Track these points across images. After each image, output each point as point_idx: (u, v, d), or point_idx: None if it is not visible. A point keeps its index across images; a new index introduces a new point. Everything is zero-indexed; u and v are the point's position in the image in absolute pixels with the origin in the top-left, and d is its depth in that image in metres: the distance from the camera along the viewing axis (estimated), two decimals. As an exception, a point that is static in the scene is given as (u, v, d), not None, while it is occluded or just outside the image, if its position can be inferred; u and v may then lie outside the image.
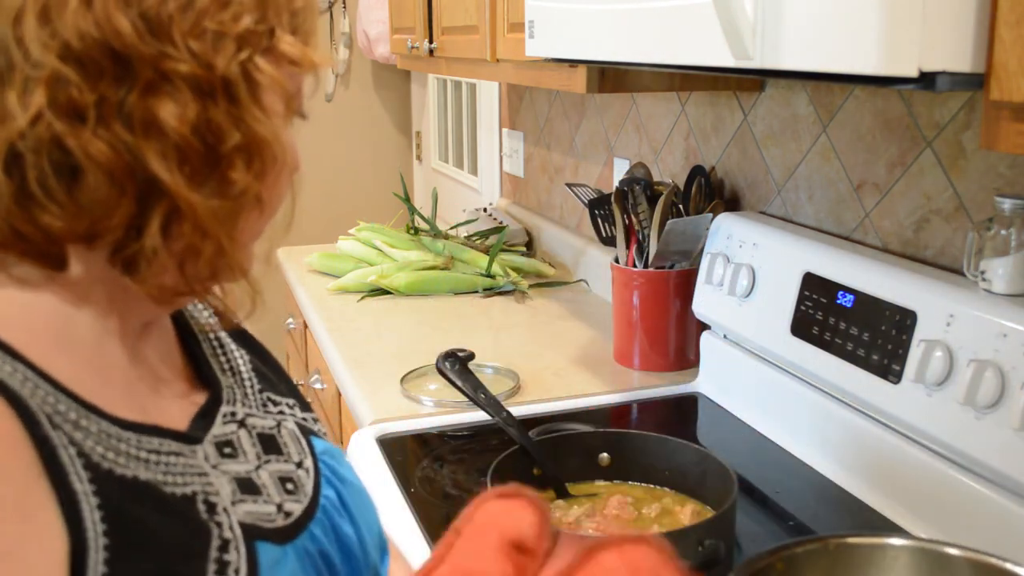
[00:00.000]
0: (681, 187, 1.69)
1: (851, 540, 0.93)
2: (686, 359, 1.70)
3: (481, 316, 2.08)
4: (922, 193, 1.27)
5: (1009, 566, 0.85)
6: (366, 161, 3.96)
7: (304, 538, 0.67)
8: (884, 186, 1.34)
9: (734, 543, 1.05)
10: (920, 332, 1.13)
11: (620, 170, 2.10)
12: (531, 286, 2.25)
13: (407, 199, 2.55)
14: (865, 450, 1.25)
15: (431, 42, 2.25)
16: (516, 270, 2.32)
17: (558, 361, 1.77)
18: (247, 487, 0.64)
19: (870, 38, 0.75)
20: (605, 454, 1.14)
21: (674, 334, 1.68)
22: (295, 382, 0.81)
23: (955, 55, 0.74)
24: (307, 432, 0.75)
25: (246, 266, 0.62)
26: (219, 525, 0.60)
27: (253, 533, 0.62)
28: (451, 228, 2.55)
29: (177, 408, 0.66)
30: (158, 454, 0.59)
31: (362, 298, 2.20)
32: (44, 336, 0.56)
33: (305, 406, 0.78)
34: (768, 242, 1.44)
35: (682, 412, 1.58)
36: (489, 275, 2.25)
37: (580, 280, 2.30)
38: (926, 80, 0.75)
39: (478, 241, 2.46)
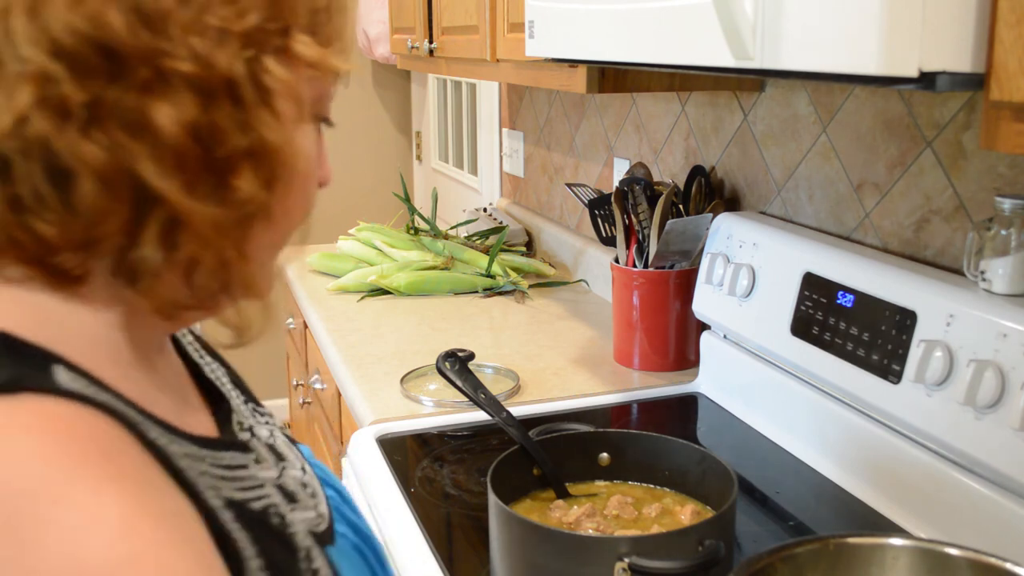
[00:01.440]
0: (681, 187, 1.69)
1: (851, 540, 0.93)
2: (686, 359, 1.70)
3: (481, 316, 2.08)
4: (922, 193, 1.27)
5: (1009, 566, 0.85)
6: (366, 161, 3.96)
7: (339, 537, 0.67)
8: (884, 186, 1.34)
9: (734, 543, 1.05)
10: (920, 332, 1.13)
11: (620, 170, 2.10)
12: (531, 286, 2.25)
13: (407, 199, 2.55)
14: (865, 450, 1.25)
15: (431, 42, 2.25)
16: (516, 270, 2.32)
17: (558, 361, 1.77)
18: (287, 495, 0.62)
19: (870, 38, 0.75)
20: (605, 454, 1.13)
21: (674, 334, 1.68)
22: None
23: (955, 55, 0.74)
24: (289, 439, 0.73)
25: (261, 283, 0.58)
26: (293, 536, 0.59)
27: (317, 539, 0.61)
28: (451, 228, 2.55)
29: (204, 419, 0.63)
30: (230, 468, 0.57)
31: (362, 298, 2.20)
32: (96, 351, 0.53)
33: (271, 417, 0.75)
34: (768, 242, 1.44)
35: (682, 412, 1.58)
36: (489, 275, 2.25)
37: (580, 280, 2.30)
38: (926, 80, 0.75)
39: (478, 241, 2.46)
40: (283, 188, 0.55)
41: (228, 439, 0.61)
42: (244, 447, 0.62)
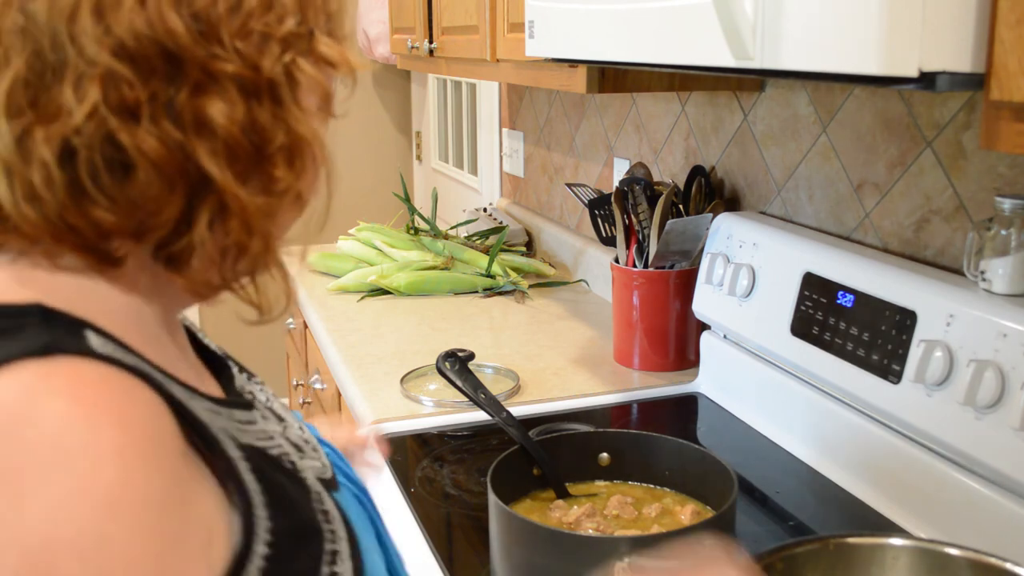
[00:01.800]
0: (681, 187, 1.69)
1: (851, 540, 0.93)
2: (686, 359, 1.70)
3: (481, 316, 2.08)
4: (922, 193, 1.27)
5: (1009, 566, 0.85)
6: (366, 161, 3.96)
7: (341, 486, 0.72)
8: (884, 186, 1.34)
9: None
10: (920, 332, 1.13)
11: (620, 170, 2.10)
12: (531, 286, 2.25)
13: (407, 199, 2.55)
14: (865, 450, 1.25)
15: (431, 42, 2.25)
16: (516, 270, 2.32)
17: (558, 361, 1.77)
18: (295, 445, 0.67)
19: (870, 38, 0.75)
20: (605, 454, 1.13)
21: (674, 334, 1.68)
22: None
23: (955, 55, 0.74)
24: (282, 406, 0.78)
25: (281, 262, 0.63)
26: (305, 479, 0.64)
27: (324, 485, 0.66)
28: (451, 228, 2.55)
29: (212, 384, 0.67)
30: (242, 423, 0.62)
31: (362, 298, 2.20)
32: (125, 322, 0.56)
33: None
34: (768, 242, 1.44)
35: (682, 412, 1.58)
36: (489, 275, 2.25)
37: (580, 280, 2.30)
38: (926, 80, 0.75)
39: (478, 241, 2.46)
40: (311, 176, 0.61)
41: (235, 399, 0.65)
42: (249, 406, 0.66)
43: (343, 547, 0.62)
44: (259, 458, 0.59)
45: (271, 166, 0.57)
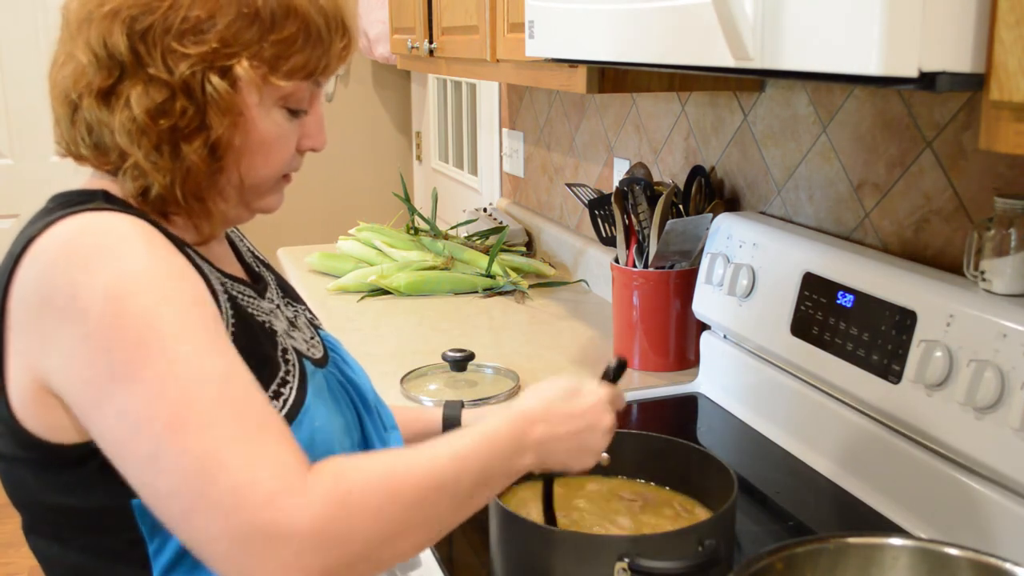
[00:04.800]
0: (681, 187, 1.69)
1: (851, 540, 0.93)
2: (686, 359, 1.70)
3: (481, 316, 2.08)
4: (922, 193, 1.27)
5: (1009, 566, 0.85)
6: (366, 161, 3.96)
7: (329, 367, 0.99)
8: (884, 186, 1.34)
9: (734, 543, 1.05)
10: (920, 332, 1.13)
11: (620, 170, 2.10)
12: (531, 286, 2.25)
13: (407, 199, 2.55)
14: (865, 450, 1.25)
15: (431, 42, 2.25)
16: (516, 270, 2.32)
17: (558, 361, 1.77)
18: (292, 328, 0.98)
19: (870, 39, 0.75)
20: (605, 454, 1.13)
21: (674, 334, 1.68)
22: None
23: (955, 55, 0.74)
24: (315, 325, 1.06)
25: (210, 210, 0.89)
26: (280, 340, 0.91)
27: (300, 353, 0.94)
28: (451, 228, 2.55)
29: (239, 271, 0.98)
30: (243, 296, 0.92)
31: (362, 298, 2.20)
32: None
33: (314, 316, 1.09)
34: (768, 242, 1.44)
35: (682, 412, 1.58)
36: (489, 275, 2.25)
37: (580, 280, 2.30)
38: (926, 80, 0.75)
39: (478, 241, 2.46)
40: (232, 154, 0.86)
41: (242, 279, 0.95)
42: (261, 295, 0.97)
43: (293, 382, 0.89)
44: (239, 304, 0.89)
45: (183, 143, 0.83)
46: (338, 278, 2.30)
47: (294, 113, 0.89)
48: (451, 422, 1.16)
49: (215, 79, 0.82)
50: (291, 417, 0.87)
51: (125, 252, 0.76)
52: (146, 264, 0.76)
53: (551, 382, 0.96)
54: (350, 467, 0.76)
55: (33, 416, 0.79)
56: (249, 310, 0.90)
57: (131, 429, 0.72)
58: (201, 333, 0.75)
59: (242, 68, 0.83)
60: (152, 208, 0.86)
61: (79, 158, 0.88)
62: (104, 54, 0.81)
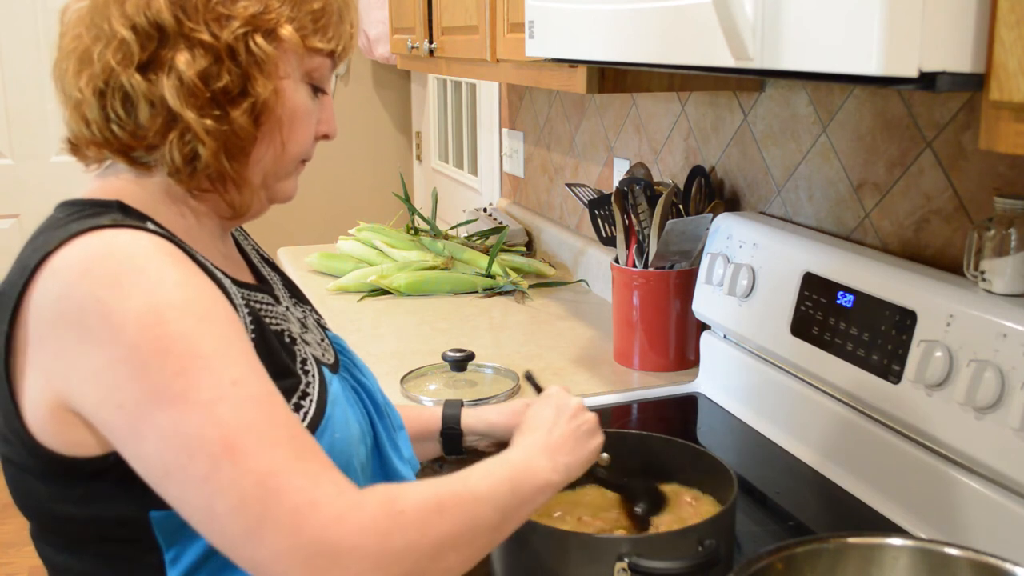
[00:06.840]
0: (681, 187, 1.69)
1: (851, 540, 0.93)
2: (686, 359, 1.70)
3: (481, 316, 2.08)
4: (922, 193, 1.27)
5: (1009, 566, 0.85)
6: (366, 161, 3.96)
7: (342, 372, 1.00)
8: (884, 186, 1.34)
9: (734, 543, 1.05)
10: (920, 332, 1.13)
11: (620, 170, 2.10)
12: (531, 286, 2.25)
13: (407, 199, 2.55)
14: (865, 450, 1.25)
15: (431, 42, 2.25)
16: (516, 270, 2.32)
17: (558, 361, 1.77)
18: (304, 329, 0.98)
19: (870, 39, 0.75)
20: (605, 454, 1.13)
21: (674, 334, 1.68)
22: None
23: (955, 55, 0.74)
24: (322, 326, 1.06)
25: (249, 181, 0.90)
26: (299, 350, 0.92)
27: (317, 360, 0.94)
28: (451, 228, 2.55)
29: (249, 276, 0.98)
30: (261, 305, 0.92)
31: (362, 298, 2.20)
32: (173, 224, 0.87)
33: (320, 316, 1.09)
34: (768, 242, 1.44)
35: (682, 412, 1.58)
36: (489, 275, 2.25)
37: (580, 280, 2.30)
38: (926, 80, 0.75)
39: (478, 241, 2.46)
40: (271, 123, 0.87)
41: (255, 286, 0.95)
42: (276, 300, 0.97)
43: (314, 394, 0.89)
44: (259, 316, 0.88)
45: (230, 106, 0.84)
46: (338, 278, 2.30)
47: (315, 93, 0.92)
48: (451, 421, 1.17)
49: (260, 40, 0.84)
50: (312, 429, 0.88)
51: (156, 274, 0.76)
52: (179, 285, 0.76)
53: (527, 420, 1.05)
54: (396, 487, 0.79)
55: (50, 431, 0.78)
56: (267, 320, 0.90)
57: (181, 451, 0.72)
58: (241, 354, 0.77)
59: (287, 31, 0.86)
60: (190, 180, 0.86)
61: (103, 145, 0.86)
62: (145, 23, 0.81)
